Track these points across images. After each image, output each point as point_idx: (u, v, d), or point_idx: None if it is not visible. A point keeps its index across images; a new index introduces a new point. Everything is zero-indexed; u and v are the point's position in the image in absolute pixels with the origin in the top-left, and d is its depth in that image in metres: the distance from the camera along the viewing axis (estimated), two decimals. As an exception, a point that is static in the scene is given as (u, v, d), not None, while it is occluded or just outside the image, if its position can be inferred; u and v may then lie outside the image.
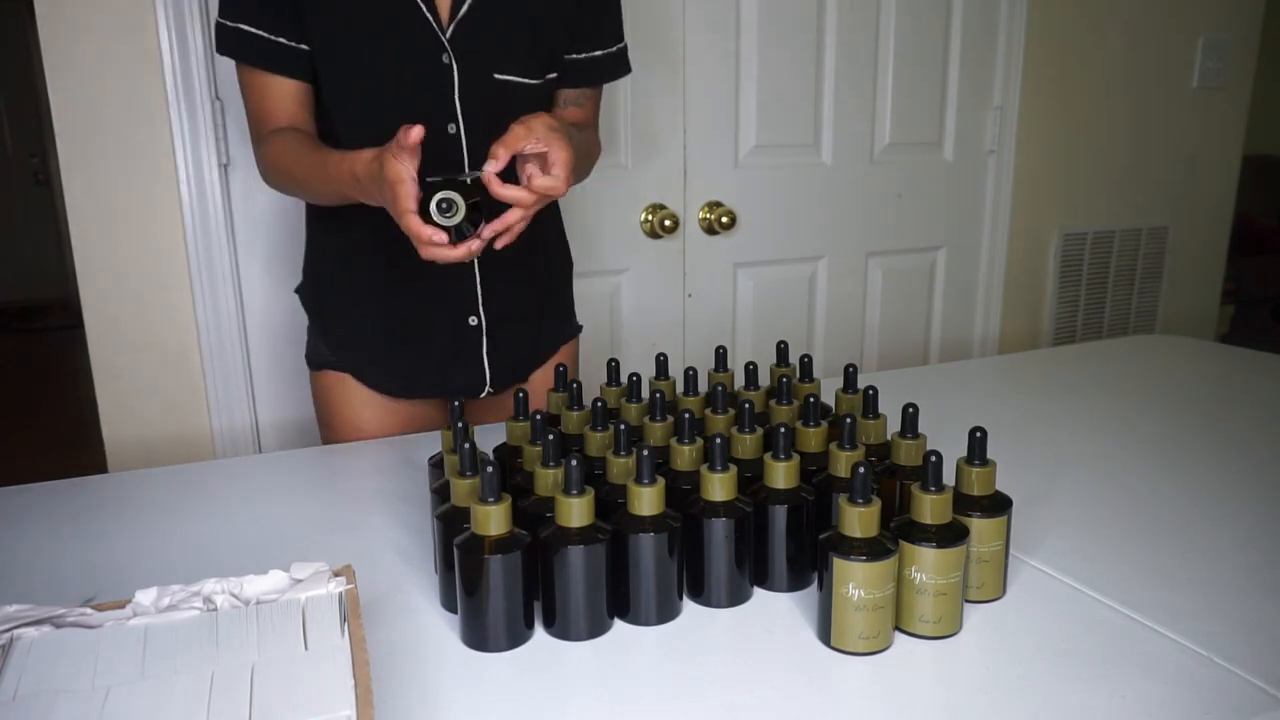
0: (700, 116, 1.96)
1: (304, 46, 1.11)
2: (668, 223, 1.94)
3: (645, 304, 2.00)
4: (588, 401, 0.89)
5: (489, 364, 1.26)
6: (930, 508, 0.71)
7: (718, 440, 0.74)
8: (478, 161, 1.15)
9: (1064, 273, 2.49)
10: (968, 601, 0.75)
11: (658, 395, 0.89)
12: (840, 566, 0.68)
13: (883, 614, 0.69)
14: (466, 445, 0.74)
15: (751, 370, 1.00)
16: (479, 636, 0.71)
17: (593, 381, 0.99)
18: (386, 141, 1.04)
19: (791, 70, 2.02)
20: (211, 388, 1.65)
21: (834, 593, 0.69)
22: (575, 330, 1.40)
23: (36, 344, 5.76)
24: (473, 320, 1.23)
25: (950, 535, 0.70)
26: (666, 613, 0.74)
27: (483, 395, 1.28)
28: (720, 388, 0.90)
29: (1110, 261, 2.56)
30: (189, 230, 1.58)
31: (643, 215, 1.95)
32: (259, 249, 1.66)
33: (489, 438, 1.05)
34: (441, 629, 0.74)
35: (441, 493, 0.81)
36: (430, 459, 0.94)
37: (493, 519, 0.70)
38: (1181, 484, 1.02)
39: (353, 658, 0.61)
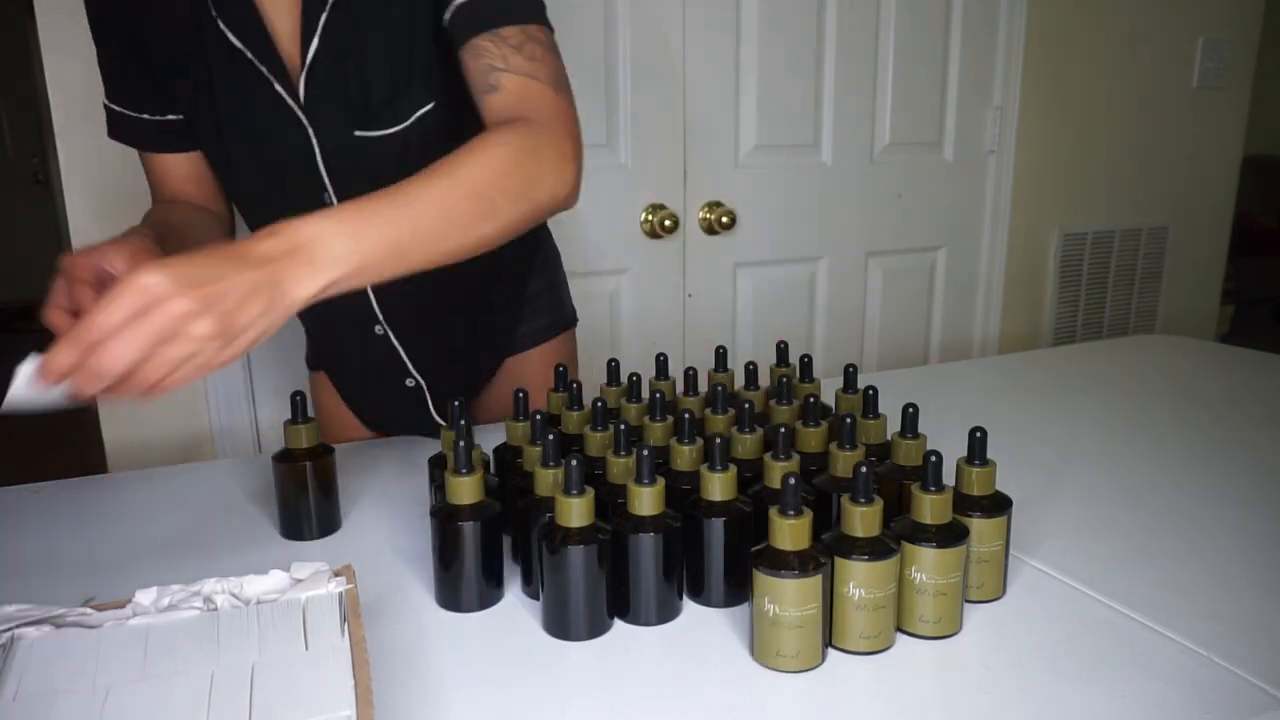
0: (700, 116, 1.96)
1: (175, 117, 1.03)
2: (668, 223, 1.94)
3: (645, 304, 2.00)
4: (588, 401, 0.89)
5: (436, 413, 1.20)
6: (930, 508, 0.71)
7: (718, 440, 0.74)
8: None
9: (1064, 273, 2.49)
10: (968, 601, 0.75)
11: (658, 395, 0.89)
12: (842, 566, 0.68)
13: (884, 614, 0.69)
14: (461, 444, 0.74)
15: (751, 370, 1.00)
16: (453, 597, 0.77)
17: (592, 381, 0.99)
18: (276, 218, 0.73)
19: (791, 70, 2.02)
20: (211, 388, 1.65)
21: (835, 592, 0.69)
22: (571, 322, 1.30)
23: (36, 344, 5.75)
24: (409, 383, 1.18)
25: (950, 535, 0.70)
26: (666, 613, 0.74)
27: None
28: (720, 388, 0.90)
29: (1110, 261, 2.56)
30: (189, 230, 1.58)
31: (643, 215, 1.96)
32: (259, 249, 1.66)
33: (489, 438, 1.05)
34: (441, 629, 0.74)
35: (443, 491, 0.81)
36: (430, 459, 0.94)
37: (465, 489, 0.74)
38: (1182, 484, 1.02)
39: (353, 658, 0.61)
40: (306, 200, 1.01)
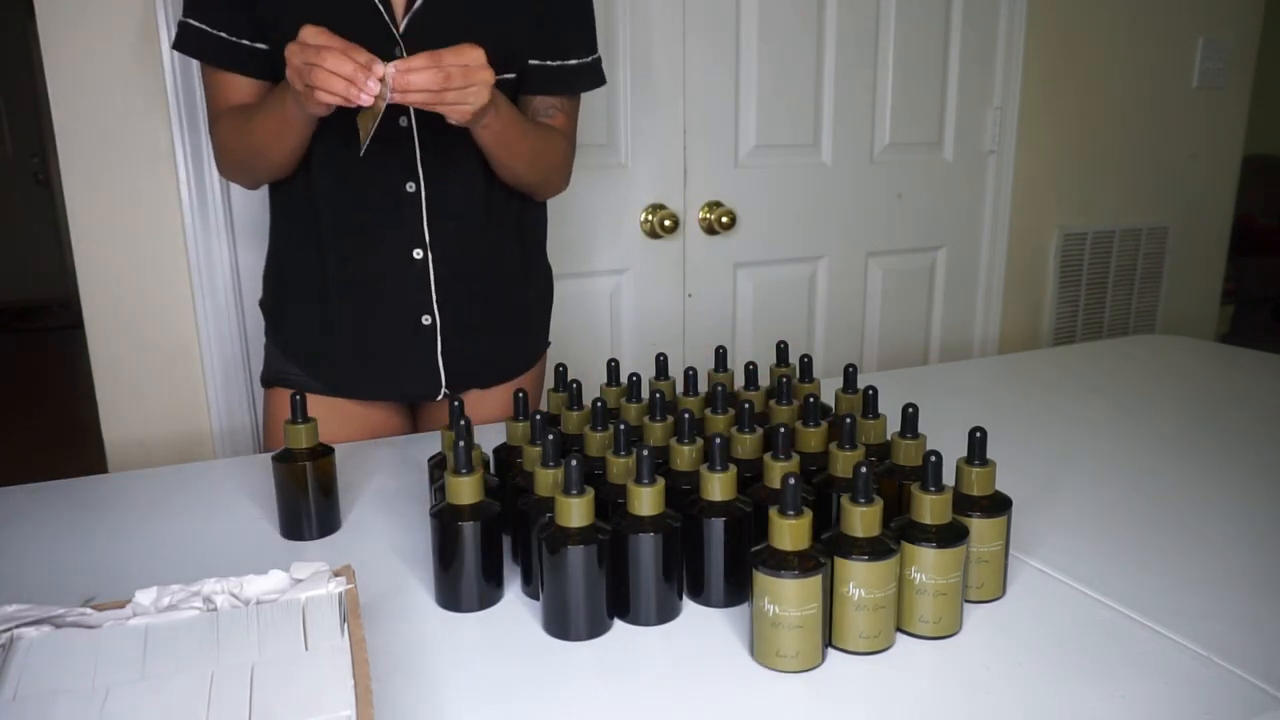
0: (700, 116, 1.96)
1: (262, 46, 1.12)
2: (668, 223, 1.94)
3: (645, 304, 2.00)
4: (588, 401, 0.89)
5: (444, 365, 1.23)
6: (930, 508, 0.71)
7: (717, 440, 0.74)
8: (429, 153, 1.17)
9: (1064, 273, 2.49)
10: (968, 601, 0.75)
11: (658, 395, 0.89)
12: (842, 566, 0.68)
13: (884, 614, 0.69)
14: (461, 444, 0.74)
15: (751, 370, 1.00)
16: (453, 597, 0.77)
17: (593, 381, 0.99)
18: (347, 139, 1.07)
19: (791, 70, 2.02)
20: (211, 388, 1.65)
21: (835, 592, 0.69)
22: (543, 347, 1.38)
23: (36, 344, 5.76)
24: (426, 320, 1.21)
25: (950, 535, 0.70)
26: (666, 613, 0.74)
27: (439, 398, 1.26)
28: (720, 388, 0.90)
29: (1110, 261, 2.56)
30: (189, 230, 1.58)
31: (643, 215, 1.95)
32: (259, 249, 1.66)
33: (489, 438, 1.05)
34: (441, 629, 0.74)
35: (443, 492, 0.81)
36: (430, 459, 0.94)
37: (465, 489, 0.72)
38: (1182, 484, 1.02)
39: (353, 658, 0.62)
40: (383, 123, 1.10)
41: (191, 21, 1.13)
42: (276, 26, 1.09)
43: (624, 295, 1.98)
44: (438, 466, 0.91)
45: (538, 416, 0.81)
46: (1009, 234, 2.37)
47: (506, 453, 0.90)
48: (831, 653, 0.70)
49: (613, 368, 1.00)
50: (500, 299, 1.27)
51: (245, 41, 1.12)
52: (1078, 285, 2.53)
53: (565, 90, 1.26)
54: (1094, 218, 2.51)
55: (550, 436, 0.76)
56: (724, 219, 1.99)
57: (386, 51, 1.08)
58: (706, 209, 2.00)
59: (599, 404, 0.85)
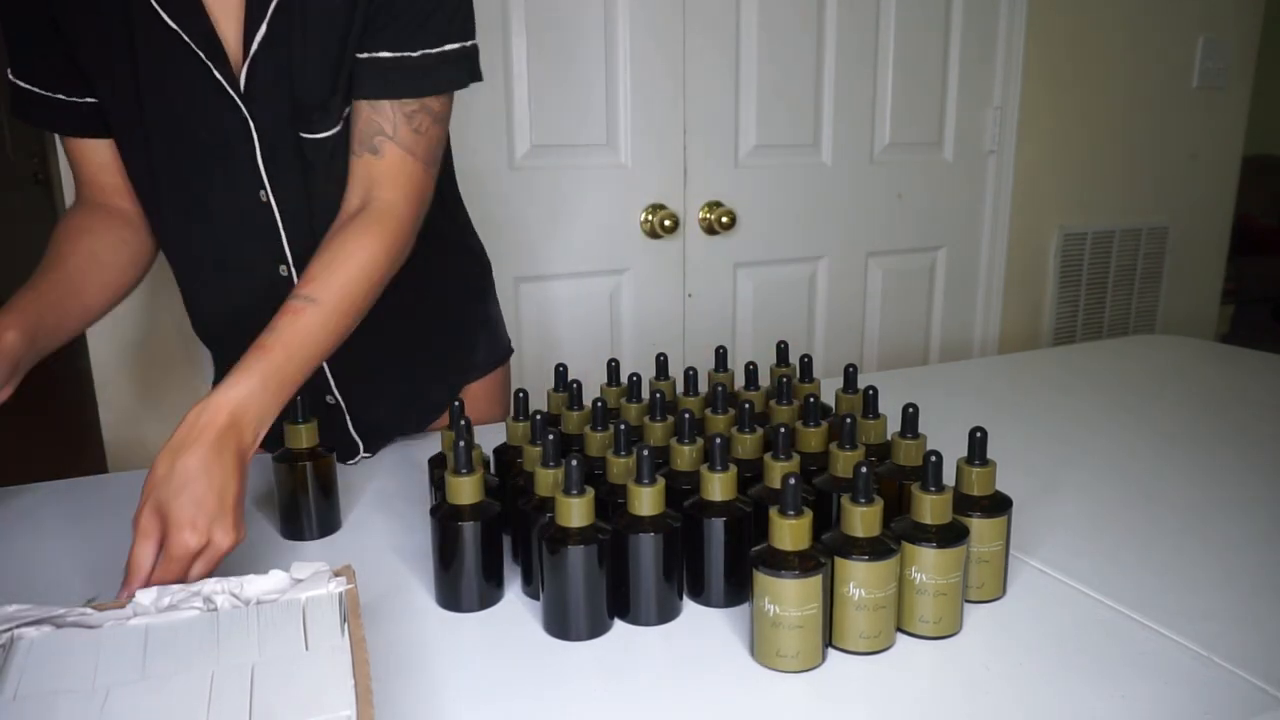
0: (700, 116, 1.96)
1: (92, 100, 0.98)
2: (668, 223, 1.94)
3: (645, 304, 2.00)
4: (588, 401, 0.89)
5: (357, 434, 1.12)
6: (930, 508, 0.71)
7: (718, 440, 0.74)
8: (294, 230, 1.00)
9: (1064, 273, 2.49)
10: (968, 601, 0.75)
11: (658, 395, 0.89)
12: (842, 566, 0.68)
13: (884, 614, 0.69)
14: (462, 444, 0.74)
15: (751, 370, 1.00)
16: (453, 597, 0.76)
17: (593, 381, 0.99)
18: (193, 214, 0.93)
19: (791, 70, 2.02)
20: (210, 387, 1.65)
21: (835, 592, 0.69)
22: (485, 365, 1.25)
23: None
24: (329, 400, 1.10)
25: (950, 535, 0.70)
26: (666, 613, 0.74)
27: (355, 460, 1.12)
28: (720, 388, 0.90)
29: (1110, 261, 2.56)
30: (189, 230, 1.58)
31: (643, 215, 1.96)
32: (259, 249, 1.66)
33: (489, 438, 1.05)
34: (441, 629, 0.74)
35: (443, 492, 0.81)
36: (430, 459, 0.94)
37: (465, 489, 0.72)
38: (1182, 484, 1.02)
39: (353, 658, 0.61)
40: (241, 199, 0.98)
41: (21, 84, 0.96)
42: (100, 88, 0.96)
43: (624, 295, 1.98)
44: (438, 466, 0.91)
45: (538, 416, 0.81)
46: (1009, 234, 2.37)
47: (506, 453, 0.90)
48: (831, 653, 0.70)
49: (613, 368, 1.00)
50: (405, 355, 1.15)
51: (90, 100, 0.96)
52: (1078, 285, 2.53)
53: (392, 92, 0.94)
54: (1094, 218, 2.51)
55: (550, 436, 0.76)
56: (724, 219, 1.99)
57: (232, 123, 0.94)
58: (706, 209, 2.01)
59: (599, 404, 0.85)
